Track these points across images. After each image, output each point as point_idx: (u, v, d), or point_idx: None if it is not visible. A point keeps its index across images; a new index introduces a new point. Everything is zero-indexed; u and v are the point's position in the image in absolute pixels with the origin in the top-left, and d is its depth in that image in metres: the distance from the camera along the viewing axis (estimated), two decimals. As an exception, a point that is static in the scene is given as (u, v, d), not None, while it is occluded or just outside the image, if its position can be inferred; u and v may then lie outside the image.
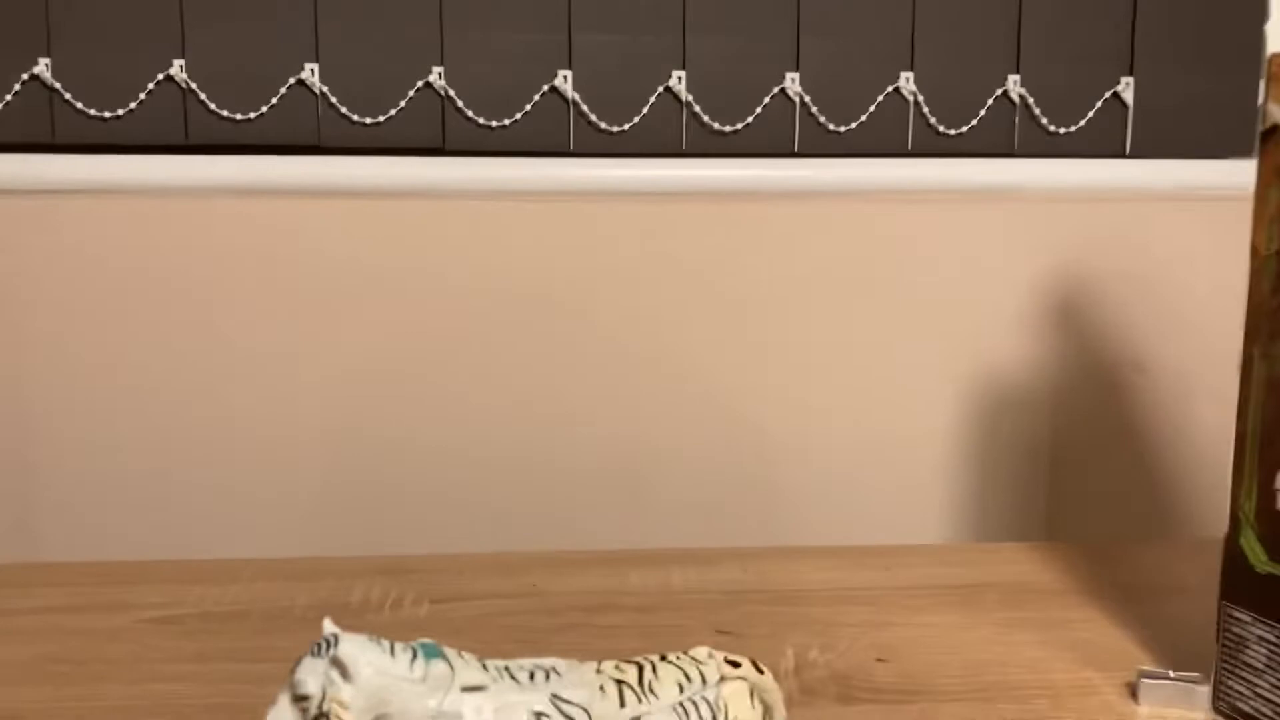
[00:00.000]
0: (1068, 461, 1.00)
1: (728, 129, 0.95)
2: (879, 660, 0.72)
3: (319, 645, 0.43)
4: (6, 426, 0.93)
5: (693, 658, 0.49)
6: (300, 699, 0.43)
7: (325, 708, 0.42)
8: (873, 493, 0.99)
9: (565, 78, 0.93)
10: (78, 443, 0.93)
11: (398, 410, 0.95)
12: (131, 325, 0.93)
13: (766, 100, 0.95)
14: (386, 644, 0.44)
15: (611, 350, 0.96)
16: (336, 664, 0.42)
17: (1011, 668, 0.71)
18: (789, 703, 0.66)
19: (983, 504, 1.00)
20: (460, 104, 0.93)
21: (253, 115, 0.92)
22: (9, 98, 0.90)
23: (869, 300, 0.98)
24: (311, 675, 0.43)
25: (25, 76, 0.90)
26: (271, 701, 0.43)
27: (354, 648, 0.43)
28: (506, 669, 0.46)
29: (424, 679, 0.43)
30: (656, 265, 0.96)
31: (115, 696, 0.66)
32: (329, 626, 0.45)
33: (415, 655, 0.44)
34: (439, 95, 0.92)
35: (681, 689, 0.47)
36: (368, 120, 0.92)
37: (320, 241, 0.93)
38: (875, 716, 0.65)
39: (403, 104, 0.92)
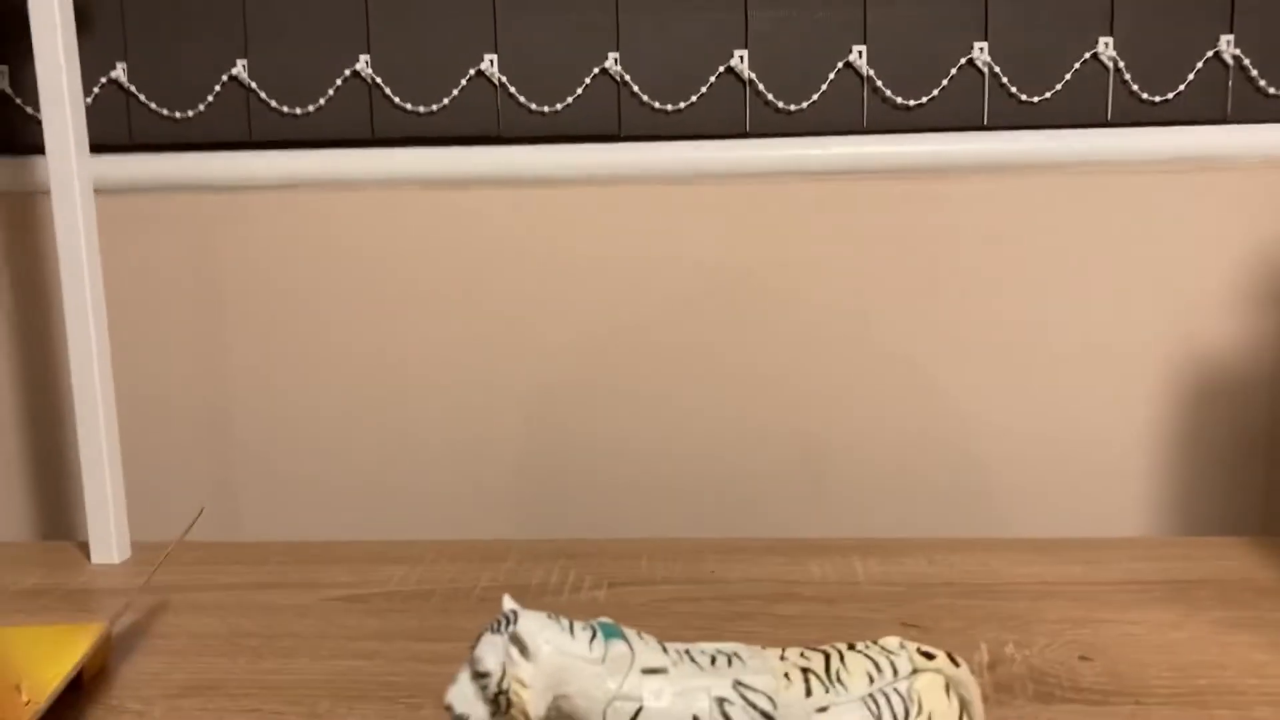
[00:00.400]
0: (1289, 452, 0.92)
1: (911, 103, 0.91)
2: (1082, 658, 0.67)
3: (498, 622, 0.43)
4: (208, 412, 0.97)
5: (883, 648, 0.47)
6: (480, 676, 0.42)
7: (505, 685, 0.42)
8: (1073, 484, 0.93)
9: (741, 58, 0.91)
10: (274, 428, 0.97)
11: (580, 395, 0.95)
12: (324, 314, 0.96)
13: (953, 72, 0.91)
14: (566, 622, 0.43)
15: (793, 334, 0.94)
16: (516, 641, 0.42)
17: (1230, 671, 0.65)
18: (983, 700, 0.62)
19: (1193, 497, 0.93)
20: (635, 89, 0.92)
21: (435, 108, 0.93)
22: (211, 98, 0.94)
23: (1069, 279, 0.92)
24: (491, 652, 0.42)
25: (225, 77, 0.93)
26: (451, 679, 0.43)
27: (534, 625, 0.42)
28: (687, 652, 0.44)
29: (603, 659, 0.42)
30: (841, 246, 0.93)
31: (304, 671, 0.67)
32: (508, 603, 0.44)
33: (595, 635, 0.43)
34: (614, 81, 0.92)
35: (871, 680, 0.45)
36: (545, 109, 0.93)
37: (502, 229, 0.94)
38: (1078, 718, 0.61)
39: (579, 91, 0.92)
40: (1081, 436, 0.93)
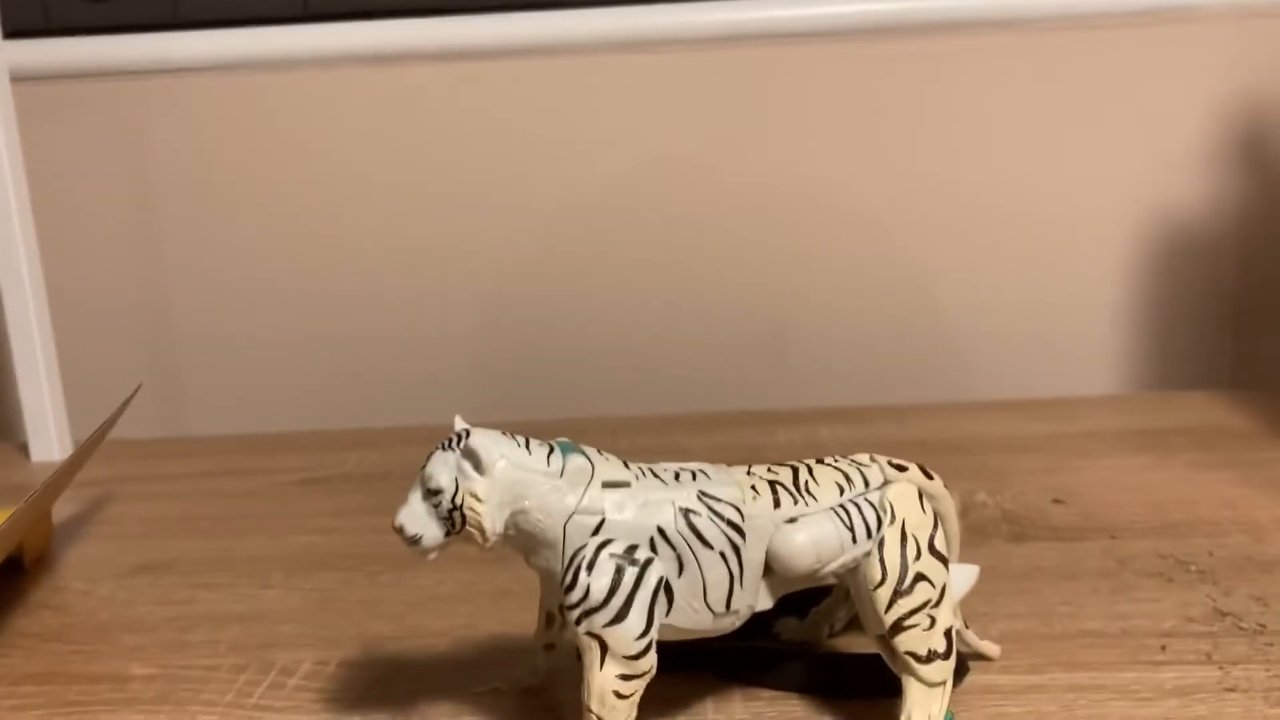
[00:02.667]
0: (1256, 307, 0.91)
1: (866, -38, 0.88)
2: (1055, 501, 0.66)
3: (449, 440, 0.41)
4: (146, 306, 0.93)
5: (853, 460, 0.45)
6: (432, 494, 0.40)
7: (459, 501, 0.39)
8: (1041, 344, 0.92)
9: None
10: (215, 320, 0.93)
11: (537, 277, 0.92)
12: (261, 201, 0.92)
13: (908, -73, 0.87)
14: (521, 439, 0.41)
15: (757, 204, 0.91)
16: (470, 455, 0.39)
17: (1205, 505, 0.64)
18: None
19: (1162, 354, 0.92)
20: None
21: (370, -20, 0.89)
22: (131, -22, 0.89)
23: (1034, 140, 0.90)
24: (443, 469, 0.40)
25: (145, -45, 0.89)
26: (401, 502, 0.40)
27: (487, 440, 0.40)
28: (650, 470, 0.42)
29: (561, 473, 0.40)
30: (801, 113, 0.90)
31: (258, 547, 0.65)
32: (460, 423, 0.42)
33: (552, 450, 0.41)
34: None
35: (841, 491, 0.43)
36: (487, -22, 0.88)
37: (446, 107, 0.90)
38: (1052, 554, 0.59)
39: (521, -42, 0.88)
40: (1049, 299, 0.92)
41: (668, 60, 0.89)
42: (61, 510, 0.70)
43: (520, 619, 0.55)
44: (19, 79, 0.88)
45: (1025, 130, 0.90)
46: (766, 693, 0.48)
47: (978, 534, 0.62)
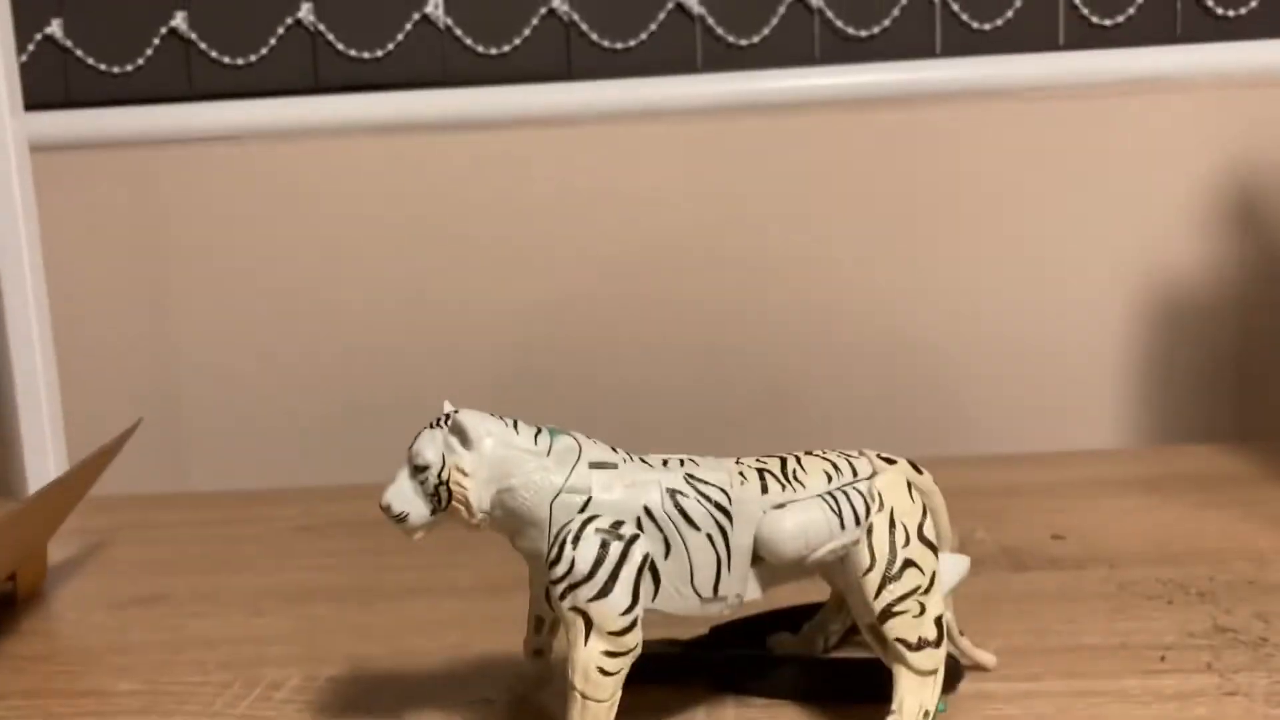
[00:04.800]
0: (1257, 365, 0.91)
1: (863, 34, 0.91)
2: (1055, 537, 0.65)
3: (438, 419, 0.41)
4: (156, 373, 0.94)
5: (842, 453, 0.45)
6: (419, 470, 0.40)
7: (445, 476, 0.39)
8: (1042, 403, 0.92)
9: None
10: (223, 386, 0.94)
11: (538, 341, 0.93)
12: (273, 268, 0.93)
13: (904, 2, 0.90)
14: (510, 420, 0.41)
15: (758, 267, 0.92)
16: (457, 431, 0.40)
17: (1207, 537, 0.64)
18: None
19: (1163, 412, 0.92)
20: (584, 28, 0.91)
21: (379, 53, 0.92)
22: (150, 51, 0.92)
23: (1035, 204, 0.91)
24: (430, 444, 0.40)
25: (164, 30, 0.92)
26: (390, 480, 0.40)
27: (474, 418, 0.40)
28: (638, 456, 0.42)
29: (548, 453, 0.40)
30: (797, 180, 0.92)
31: (255, 583, 0.64)
32: (447, 406, 0.42)
33: (539, 431, 0.41)
34: (562, 23, 0.91)
35: (830, 479, 0.43)
36: (493, 51, 0.92)
37: (452, 175, 0.93)
38: (1051, 581, 0.59)
39: (527, 32, 0.91)
40: (1050, 359, 0.92)
41: (662, 130, 0.92)
42: (56, 553, 0.70)
43: (512, 640, 0.54)
44: (39, 149, 0.91)
45: (1024, 195, 0.91)
46: (760, 700, 0.47)
47: (975, 565, 0.61)
